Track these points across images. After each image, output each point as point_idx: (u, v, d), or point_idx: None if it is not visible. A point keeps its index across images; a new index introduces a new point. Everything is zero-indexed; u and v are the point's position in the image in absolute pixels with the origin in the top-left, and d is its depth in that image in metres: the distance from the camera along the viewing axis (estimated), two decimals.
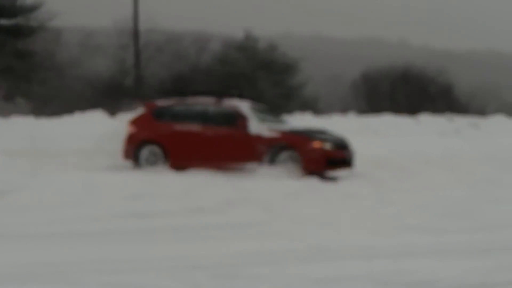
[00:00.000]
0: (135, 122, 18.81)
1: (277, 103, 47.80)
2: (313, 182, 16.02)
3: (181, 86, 48.00)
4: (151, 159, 18.15)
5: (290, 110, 44.15)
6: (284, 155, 17.03)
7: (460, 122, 38.13)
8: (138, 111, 19.64)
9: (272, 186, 14.86)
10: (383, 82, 57.98)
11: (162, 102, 19.05)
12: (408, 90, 57.21)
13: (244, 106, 18.04)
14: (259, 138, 17.32)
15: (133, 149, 18.35)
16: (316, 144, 17.10)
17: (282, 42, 55.45)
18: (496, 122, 37.54)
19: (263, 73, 51.82)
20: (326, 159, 17.06)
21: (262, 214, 11.77)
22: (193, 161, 17.71)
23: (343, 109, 49.97)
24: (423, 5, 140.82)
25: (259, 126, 17.48)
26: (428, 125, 35.88)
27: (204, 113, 18.13)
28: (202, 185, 15.05)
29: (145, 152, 18.21)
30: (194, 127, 18.04)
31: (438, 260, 8.72)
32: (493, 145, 26.97)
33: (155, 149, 18.15)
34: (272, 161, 17.06)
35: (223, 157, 17.52)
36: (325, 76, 74.51)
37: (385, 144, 26.87)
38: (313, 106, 50.86)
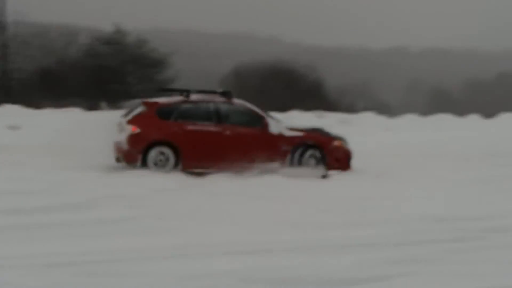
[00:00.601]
0: (136, 121, 17.08)
1: (146, 98, 47.09)
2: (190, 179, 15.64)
3: (49, 80, 46.65)
4: (160, 161, 16.83)
5: None
6: (308, 154, 17.01)
7: (330, 119, 38.53)
8: (132, 109, 17.79)
9: (144, 182, 14.47)
10: (253, 78, 57.92)
11: (164, 100, 17.68)
12: (278, 86, 57.33)
13: (253, 105, 17.61)
14: (282, 138, 17.10)
15: (141, 151, 16.76)
16: (338, 143, 17.34)
17: (152, 36, 54.74)
18: (366, 119, 38.00)
19: (132, 68, 51.07)
20: (348, 157, 17.38)
21: (131, 211, 11.43)
22: (211, 162, 16.84)
23: None
24: (295, 1, 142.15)
25: (278, 125, 17.30)
26: (298, 122, 36.01)
27: (218, 112, 17.23)
28: (72, 181, 14.47)
29: (153, 153, 16.80)
30: (211, 126, 17.10)
31: (309, 256, 8.69)
32: (363, 143, 26.86)
33: (165, 150, 16.82)
34: (299, 161, 17.00)
35: (245, 157, 16.67)
36: (196, 71, 74.19)
37: None
38: None
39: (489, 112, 44.93)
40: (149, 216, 11.02)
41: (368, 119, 38.16)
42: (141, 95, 18.52)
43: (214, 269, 7.98)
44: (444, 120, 37.36)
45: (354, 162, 17.31)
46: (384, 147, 24.01)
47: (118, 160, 16.99)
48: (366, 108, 47.93)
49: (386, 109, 63.96)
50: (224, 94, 17.64)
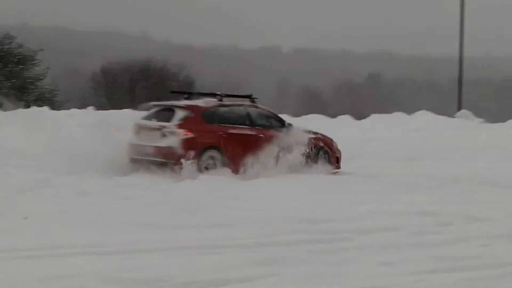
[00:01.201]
0: (186, 125, 16.96)
1: (11, 95, 45.55)
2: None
3: None
4: (210, 164, 16.99)
5: (26, 103, 42.07)
6: (321, 154, 18.42)
7: None
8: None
9: None
10: (123, 76, 56.98)
11: (204, 104, 17.86)
12: (148, 85, 56.63)
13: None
14: (302, 140, 18.09)
15: (196, 155, 16.66)
16: (336, 145, 18.98)
17: (20, 32, 53.22)
18: None
19: None
20: (340, 157, 18.97)
21: None
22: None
23: (83, 103, 48.90)
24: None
25: (297, 129, 18.46)
26: None
27: (249, 116, 18.00)
28: None
29: (204, 157, 16.91)
30: (247, 130, 17.77)
31: (168, 257, 8.60)
32: None
33: (214, 153, 17.09)
34: (315, 161, 18.13)
35: (276, 158, 17.60)
36: (65, 69, 72.90)
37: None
38: (50, 100, 49.25)
39: (360, 113, 45.44)
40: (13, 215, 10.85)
41: None
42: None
43: (74, 270, 7.80)
44: (315, 121, 37.69)
45: None
46: None
47: (132, 161, 17.04)
48: None
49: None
50: (250, 98, 18.52)
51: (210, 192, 13.99)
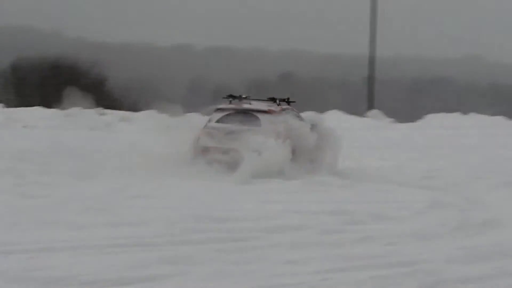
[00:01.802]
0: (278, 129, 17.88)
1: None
2: None
3: None
4: None
5: None
6: None
7: (111, 116, 38.32)
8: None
9: None
10: (33, 73, 55.97)
11: (276, 108, 18.51)
12: (60, 82, 55.77)
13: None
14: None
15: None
16: None
17: None
18: (147, 117, 38.00)
19: None
20: None
21: None
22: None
23: None
24: None
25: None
26: (79, 119, 35.93)
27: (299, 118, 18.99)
28: None
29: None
30: None
31: (75, 256, 8.53)
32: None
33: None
34: None
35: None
36: None
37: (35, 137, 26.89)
38: None
39: None
40: None
41: (149, 117, 38.18)
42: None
43: None
44: None
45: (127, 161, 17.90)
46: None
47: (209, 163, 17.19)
48: (149, 106, 47.37)
49: (169, 108, 63.65)
50: (287, 101, 19.14)
51: (118, 191, 13.85)
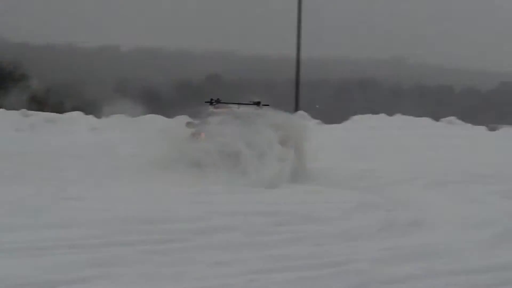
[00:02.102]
0: None
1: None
2: None
3: None
4: None
5: None
6: None
7: (36, 117, 37.84)
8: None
9: None
10: None
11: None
12: None
13: None
14: None
15: None
16: None
17: None
18: (73, 119, 37.65)
19: None
20: None
21: None
22: None
23: None
24: None
25: None
26: (2, 120, 35.41)
27: None
28: None
29: None
30: None
31: (3, 258, 8.48)
32: (67, 141, 26.69)
33: None
34: None
35: None
36: None
37: None
38: None
39: (199, 114, 45.24)
40: None
41: (75, 118, 37.85)
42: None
43: None
44: (155, 121, 37.68)
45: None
46: (90, 147, 24.14)
47: None
48: (74, 108, 46.79)
49: (96, 108, 63.11)
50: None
51: (49, 192, 13.66)
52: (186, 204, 12.94)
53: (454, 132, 35.58)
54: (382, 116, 40.23)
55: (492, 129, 57.30)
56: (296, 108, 41.60)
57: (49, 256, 8.59)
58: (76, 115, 39.23)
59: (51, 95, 59.22)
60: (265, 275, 8.05)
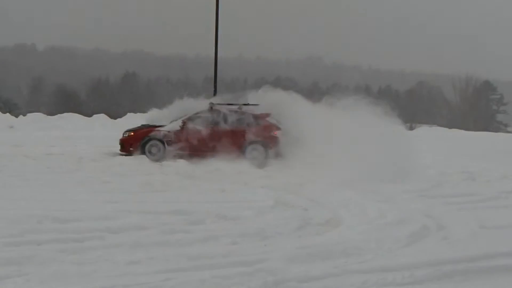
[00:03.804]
0: None
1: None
2: None
3: None
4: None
5: None
6: None
7: None
8: None
9: None
10: None
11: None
12: None
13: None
14: None
15: None
16: None
17: None
18: None
19: None
20: None
21: None
22: None
23: None
24: None
25: None
26: None
27: None
28: None
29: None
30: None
31: None
32: None
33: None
34: None
35: None
36: None
37: None
38: None
39: (115, 112, 45.02)
40: None
41: None
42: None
43: None
44: (71, 119, 37.22)
45: None
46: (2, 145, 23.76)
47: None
48: None
49: (12, 107, 62.09)
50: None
51: None
52: (96, 202, 12.84)
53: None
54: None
55: (411, 128, 58.48)
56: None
57: None
58: None
59: None
60: (180, 273, 8.05)
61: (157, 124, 22.33)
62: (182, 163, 20.24)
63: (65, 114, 39.21)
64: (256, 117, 22.88)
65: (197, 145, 21.87)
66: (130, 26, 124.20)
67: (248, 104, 22.97)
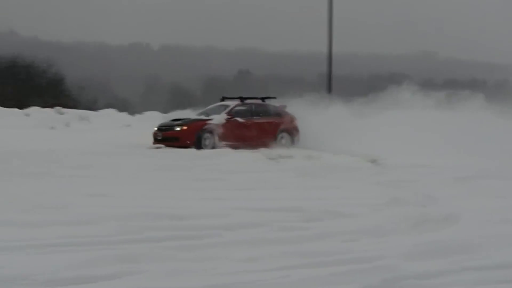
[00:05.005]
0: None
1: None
2: None
3: None
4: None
5: None
6: None
7: (70, 115, 38.17)
8: None
9: None
10: None
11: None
12: (16, 82, 55.17)
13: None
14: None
15: None
16: None
17: None
18: (106, 116, 37.94)
19: None
20: None
21: None
22: None
23: None
24: None
25: None
26: (38, 118, 35.74)
27: None
28: None
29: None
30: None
31: (30, 255, 8.42)
32: (100, 138, 27.26)
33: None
34: None
35: None
36: None
37: None
38: None
39: None
40: None
41: (108, 116, 38.08)
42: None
43: None
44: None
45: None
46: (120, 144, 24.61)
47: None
48: (107, 105, 47.13)
49: (128, 106, 63.44)
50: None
51: (73, 189, 13.78)
52: (210, 200, 13.00)
53: None
54: (416, 111, 39.68)
55: None
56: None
57: (76, 253, 8.58)
58: (110, 112, 39.52)
59: (84, 92, 59.56)
60: (297, 270, 7.98)
61: (191, 117, 25.36)
62: (294, 160, 20.48)
63: (179, 111, 39.89)
64: (278, 108, 26.45)
65: (240, 135, 24.59)
66: (244, 22, 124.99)
67: (269, 98, 26.84)
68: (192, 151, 23.25)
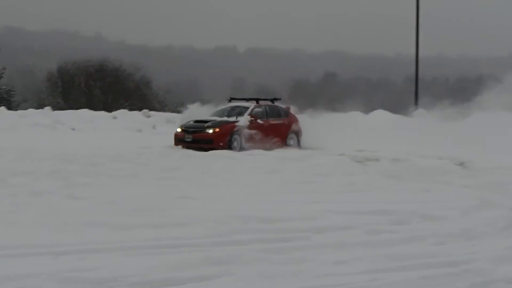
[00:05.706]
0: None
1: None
2: None
3: None
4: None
5: None
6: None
7: (158, 118, 38.65)
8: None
9: None
10: (79, 76, 56.43)
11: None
12: (105, 85, 56.19)
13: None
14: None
15: None
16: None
17: None
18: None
19: None
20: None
21: None
22: None
23: (39, 103, 48.82)
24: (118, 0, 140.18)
25: None
26: (125, 121, 36.33)
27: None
28: None
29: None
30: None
31: (123, 257, 8.55)
32: None
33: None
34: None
35: None
36: (20, 69, 72.03)
37: (82, 140, 27.36)
38: (7, 100, 49.04)
39: (315, 112, 45.15)
40: None
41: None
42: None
43: (29, 271, 7.72)
44: None
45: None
46: None
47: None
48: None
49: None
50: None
51: (164, 192, 13.94)
52: (298, 203, 12.98)
53: None
54: (504, 113, 38.89)
55: None
56: (416, 106, 41.14)
57: (168, 255, 8.66)
58: None
59: (171, 95, 60.26)
60: (386, 274, 7.92)
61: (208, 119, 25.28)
62: (381, 163, 20.39)
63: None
64: (285, 110, 27.14)
65: (261, 136, 24.92)
66: (329, 26, 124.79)
67: (277, 99, 27.59)
68: (276, 153, 23.29)
